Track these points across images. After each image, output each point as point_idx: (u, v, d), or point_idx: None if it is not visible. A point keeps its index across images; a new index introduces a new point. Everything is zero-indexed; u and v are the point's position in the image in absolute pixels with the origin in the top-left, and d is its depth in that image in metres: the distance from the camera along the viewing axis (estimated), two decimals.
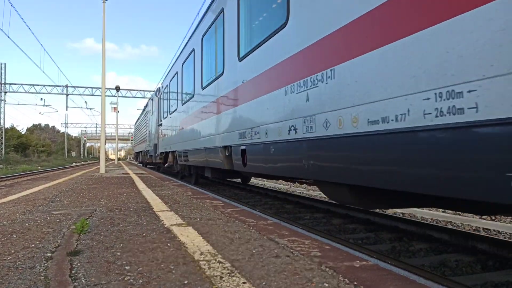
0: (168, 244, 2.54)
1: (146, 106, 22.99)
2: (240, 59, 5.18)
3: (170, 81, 11.69)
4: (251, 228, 3.13)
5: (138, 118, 30.46)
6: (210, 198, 5.39)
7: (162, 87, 14.12)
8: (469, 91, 1.82)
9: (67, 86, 45.84)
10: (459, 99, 1.87)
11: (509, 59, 1.65)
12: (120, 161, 50.57)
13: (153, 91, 22.28)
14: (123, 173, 13.53)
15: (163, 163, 13.73)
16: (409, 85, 2.20)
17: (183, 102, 9.49)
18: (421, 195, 2.63)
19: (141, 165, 27.85)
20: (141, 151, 25.54)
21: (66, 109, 49.01)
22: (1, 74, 40.44)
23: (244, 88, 5.04)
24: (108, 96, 37.63)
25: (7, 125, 51.35)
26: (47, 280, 1.81)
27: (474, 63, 1.81)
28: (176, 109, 10.51)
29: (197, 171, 9.63)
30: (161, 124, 14.21)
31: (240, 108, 5.22)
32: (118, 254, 2.29)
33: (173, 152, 11.22)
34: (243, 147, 5.05)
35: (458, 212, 6.41)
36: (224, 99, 5.99)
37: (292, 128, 3.65)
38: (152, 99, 18.45)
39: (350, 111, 2.73)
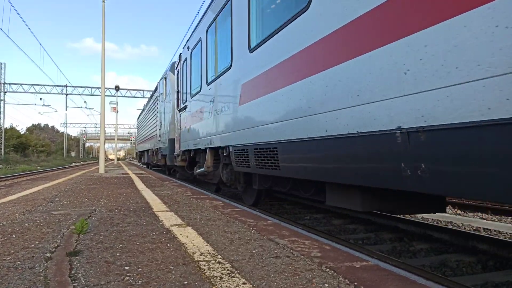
0: (168, 245, 2.54)
1: (155, 90, 17.36)
2: None
3: (208, 28, 7.11)
4: (251, 228, 3.13)
5: (142, 110, 25.55)
6: (210, 199, 5.39)
7: (188, 48, 9.09)
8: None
9: (66, 86, 46.00)
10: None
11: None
12: (119, 161, 50.53)
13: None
14: (122, 173, 13.52)
15: (187, 167, 9.41)
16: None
17: (260, 41, 4.45)
18: None
19: (145, 166, 23.57)
20: (147, 150, 20.28)
21: (66, 109, 49.16)
22: (1, 74, 40.46)
23: None
24: (108, 96, 37.74)
25: (7, 125, 51.34)
26: (46, 280, 1.80)
27: None
28: (230, 68, 5.63)
29: (271, 186, 5.44)
30: (184, 108, 9.36)
31: None
32: (118, 254, 2.29)
33: (217, 149, 6.61)
34: None
35: (458, 212, 6.40)
36: None
37: None
38: (165, 78, 13.09)
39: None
